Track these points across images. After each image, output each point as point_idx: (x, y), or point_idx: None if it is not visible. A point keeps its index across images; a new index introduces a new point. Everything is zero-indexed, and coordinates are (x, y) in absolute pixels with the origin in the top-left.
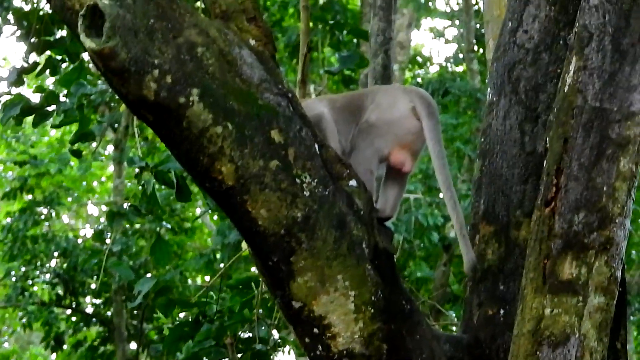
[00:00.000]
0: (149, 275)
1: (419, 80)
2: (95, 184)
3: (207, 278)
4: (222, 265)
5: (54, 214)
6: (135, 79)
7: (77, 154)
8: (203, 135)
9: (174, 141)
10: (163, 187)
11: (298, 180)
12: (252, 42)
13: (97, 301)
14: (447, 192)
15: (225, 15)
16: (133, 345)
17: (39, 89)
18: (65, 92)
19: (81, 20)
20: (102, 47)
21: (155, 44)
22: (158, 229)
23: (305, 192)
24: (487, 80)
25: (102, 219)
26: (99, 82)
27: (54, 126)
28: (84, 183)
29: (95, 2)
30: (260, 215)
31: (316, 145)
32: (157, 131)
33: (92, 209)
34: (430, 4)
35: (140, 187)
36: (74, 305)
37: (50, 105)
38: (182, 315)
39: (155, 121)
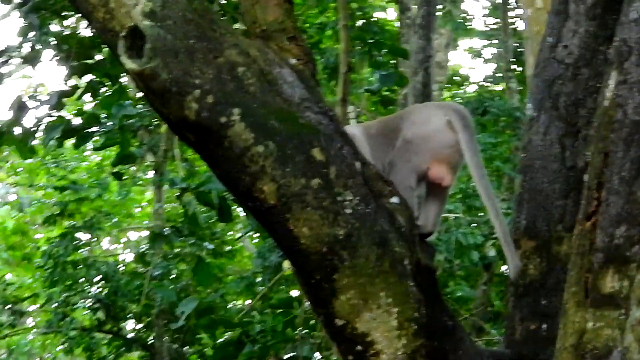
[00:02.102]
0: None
1: (458, 99)
2: (135, 209)
3: (248, 302)
4: (262, 287)
5: (94, 239)
6: (177, 100)
7: (118, 176)
8: (244, 154)
9: (216, 161)
10: (203, 209)
11: (340, 199)
12: (293, 61)
13: (139, 326)
14: (489, 200)
15: (265, 34)
16: None
17: (80, 112)
18: (105, 115)
19: (122, 41)
20: (143, 68)
21: (195, 65)
22: (200, 250)
23: (346, 210)
24: (527, 96)
25: (143, 243)
26: (138, 106)
27: (95, 149)
28: (124, 210)
29: (136, 24)
30: (302, 234)
31: (357, 163)
32: (198, 151)
33: (132, 234)
34: (467, 23)
35: (181, 210)
36: (115, 330)
37: (91, 127)
38: (224, 336)
39: (196, 141)
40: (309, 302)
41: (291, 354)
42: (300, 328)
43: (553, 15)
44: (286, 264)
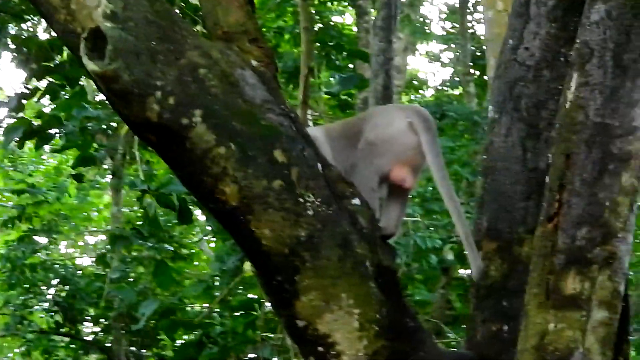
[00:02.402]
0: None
1: (416, 104)
2: (93, 213)
3: (206, 305)
4: (220, 292)
5: (52, 243)
6: (138, 101)
7: (78, 178)
8: (206, 156)
9: (178, 163)
10: (161, 212)
11: (302, 200)
12: (254, 62)
13: (97, 329)
14: (451, 201)
15: (227, 36)
16: None
17: (39, 114)
18: (66, 117)
19: (83, 43)
20: (104, 70)
21: (157, 66)
22: (159, 252)
23: (309, 212)
24: (488, 98)
25: (102, 246)
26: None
27: (55, 151)
28: (82, 213)
29: (98, 25)
30: (264, 235)
31: (319, 165)
32: (160, 153)
33: (90, 238)
34: (425, 27)
35: (139, 213)
36: (73, 333)
37: (52, 129)
38: (184, 339)
39: (158, 143)
40: (271, 304)
41: (252, 356)
42: (262, 330)
43: (514, 17)
44: (247, 266)
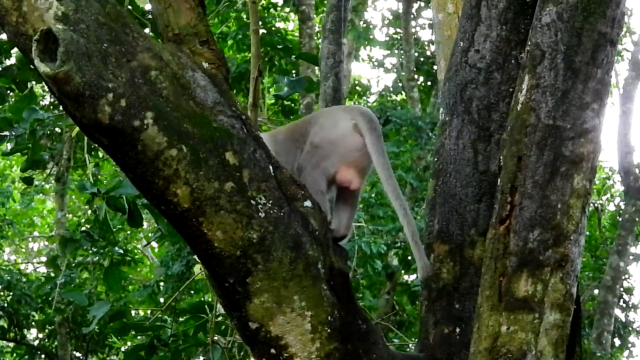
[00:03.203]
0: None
1: None
2: (36, 218)
3: (149, 312)
4: (164, 297)
5: None
6: (90, 103)
7: (28, 181)
8: (158, 158)
9: (129, 165)
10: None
11: (253, 202)
12: (205, 65)
13: (42, 334)
14: (397, 200)
15: (178, 38)
16: None
17: None
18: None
19: (35, 45)
20: (56, 72)
21: (109, 68)
22: (104, 258)
23: (260, 214)
24: (439, 100)
25: (47, 251)
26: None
27: (4, 154)
28: (25, 219)
29: (49, 27)
30: (216, 237)
31: (270, 167)
32: (112, 155)
33: (33, 244)
34: (369, 33)
35: (85, 216)
36: (18, 339)
37: (2, 131)
38: (132, 343)
39: (110, 145)
40: (223, 306)
41: (203, 359)
42: (213, 333)
43: (465, 19)
44: (197, 269)
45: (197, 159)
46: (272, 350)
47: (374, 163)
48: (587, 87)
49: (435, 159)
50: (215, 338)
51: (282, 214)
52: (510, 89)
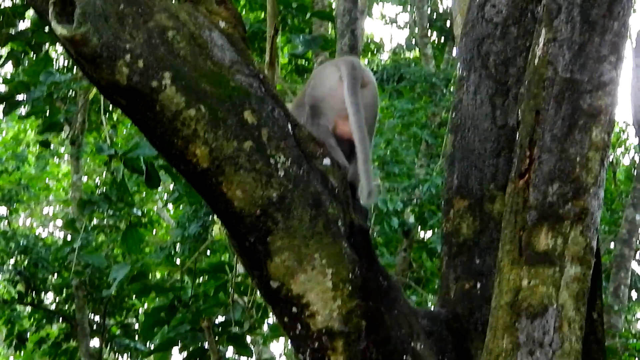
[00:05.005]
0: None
1: (374, 67)
2: (51, 182)
3: (167, 273)
4: (181, 258)
5: (13, 213)
6: (108, 65)
7: (45, 144)
8: (176, 118)
9: (148, 125)
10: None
11: (272, 161)
12: (222, 24)
13: (59, 299)
14: (358, 130)
15: None
16: (96, 341)
17: (5, 81)
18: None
19: (52, 7)
20: (73, 34)
21: (126, 29)
22: (120, 221)
23: (279, 172)
24: (453, 57)
25: (62, 215)
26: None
27: (21, 117)
28: (39, 183)
29: None
30: (236, 196)
31: (289, 125)
32: (130, 116)
33: (48, 208)
34: None
35: (100, 179)
36: (35, 303)
37: (19, 94)
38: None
39: (128, 106)
40: (244, 265)
41: (224, 318)
42: (233, 292)
43: None
44: (215, 230)
45: (216, 118)
46: (294, 309)
47: (346, 103)
48: (604, 39)
49: (453, 115)
50: (236, 298)
51: (301, 172)
52: (527, 43)
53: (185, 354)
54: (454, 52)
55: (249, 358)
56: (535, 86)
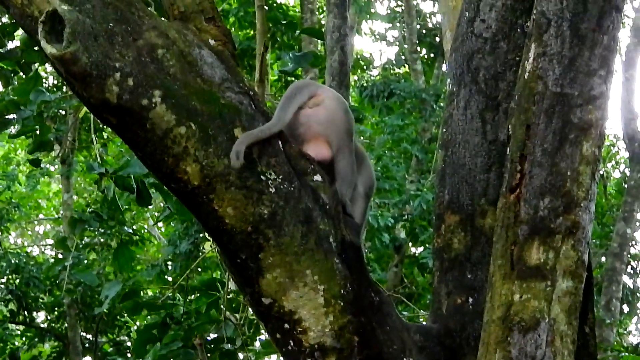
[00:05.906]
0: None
1: (363, 83)
2: (42, 202)
3: (159, 291)
4: (173, 276)
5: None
6: (97, 83)
7: (35, 163)
8: (167, 136)
9: (138, 143)
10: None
11: (263, 178)
12: (212, 41)
13: (51, 317)
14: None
15: (183, 16)
16: (88, 359)
17: None
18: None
19: (41, 26)
20: (63, 53)
21: (115, 48)
22: (111, 239)
23: (270, 189)
24: (442, 72)
25: (54, 234)
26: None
27: (11, 136)
28: (37, 199)
29: (55, 8)
30: (227, 214)
31: (279, 142)
32: (120, 134)
33: (39, 227)
34: (370, 7)
35: (91, 197)
36: (27, 321)
37: (9, 114)
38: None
39: (118, 124)
40: (235, 282)
41: (216, 336)
42: (225, 309)
43: None
44: (207, 247)
45: (206, 135)
46: (286, 325)
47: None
48: (594, 53)
49: (444, 130)
50: (228, 315)
51: (292, 188)
52: (517, 58)
53: None
54: (444, 68)
55: None
56: (525, 100)
